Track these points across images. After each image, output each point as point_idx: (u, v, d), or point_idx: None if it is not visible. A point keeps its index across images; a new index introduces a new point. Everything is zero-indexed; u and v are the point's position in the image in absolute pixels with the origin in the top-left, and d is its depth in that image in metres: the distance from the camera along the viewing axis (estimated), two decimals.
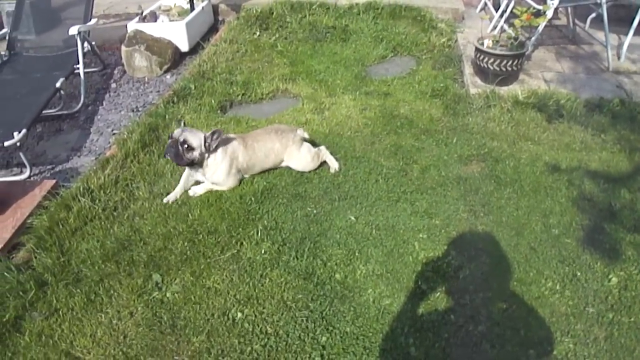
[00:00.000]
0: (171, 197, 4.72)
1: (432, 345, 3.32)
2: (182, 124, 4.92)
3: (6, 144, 5.24)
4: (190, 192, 4.76)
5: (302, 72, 7.00)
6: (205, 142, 4.52)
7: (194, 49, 8.25)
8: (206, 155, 4.61)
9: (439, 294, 3.66)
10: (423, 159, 5.08)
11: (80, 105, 6.89)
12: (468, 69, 6.74)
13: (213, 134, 4.52)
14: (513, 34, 6.13)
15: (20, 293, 3.87)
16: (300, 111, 6.09)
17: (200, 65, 7.28)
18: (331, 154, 5.11)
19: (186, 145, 4.45)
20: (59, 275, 4.03)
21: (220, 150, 4.65)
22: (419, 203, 4.53)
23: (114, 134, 6.27)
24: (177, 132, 4.51)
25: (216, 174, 4.68)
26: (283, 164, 5.00)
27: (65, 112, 6.85)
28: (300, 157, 4.93)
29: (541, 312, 3.53)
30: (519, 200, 4.52)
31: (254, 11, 8.82)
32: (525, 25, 6.14)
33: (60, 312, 3.76)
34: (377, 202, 4.57)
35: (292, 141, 4.90)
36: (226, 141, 4.74)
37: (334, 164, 5.02)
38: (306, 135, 5.08)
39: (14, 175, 5.66)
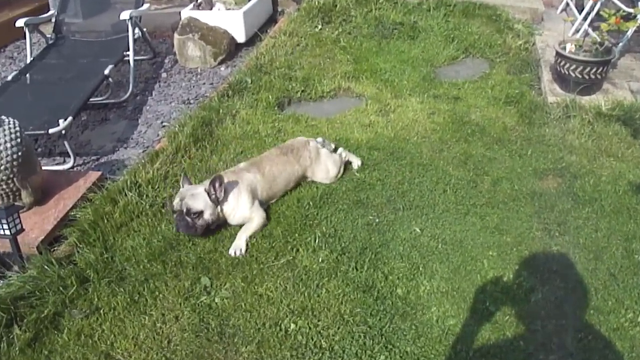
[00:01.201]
0: (237, 250, 4.28)
1: None
2: (183, 180, 4.49)
3: (51, 131, 5.35)
4: (231, 252, 4.25)
5: (366, 70, 7.02)
6: (210, 196, 4.28)
7: (251, 41, 8.33)
8: (218, 208, 4.37)
9: (507, 317, 3.62)
10: (495, 171, 5.05)
11: (128, 94, 7.02)
12: (546, 75, 6.67)
13: (213, 183, 4.26)
14: (598, 39, 6.03)
15: (61, 288, 3.95)
16: (363, 112, 6.12)
17: (258, 58, 7.35)
18: (396, 160, 5.15)
19: (193, 214, 4.21)
20: (102, 272, 4.11)
21: (231, 193, 4.43)
22: (489, 218, 4.50)
23: (163, 126, 6.39)
24: (176, 204, 4.28)
25: (239, 213, 4.46)
26: (308, 179, 5.00)
27: (112, 101, 6.99)
28: (323, 170, 4.94)
29: (620, 346, 3.44)
30: (598, 221, 4.45)
31: (316, 3, 8.86)
32: (612, 29, 6.03)
33: (102, 311, 3.82)
34: (444, 214, 4.56)
35: (309, 159, 4.89)
36: (236, 179, 4.52)
37: (356, 161, 5.16)
38: (323, 141, 5.17)
39: (57, 164, 5.78)
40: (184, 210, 4.20)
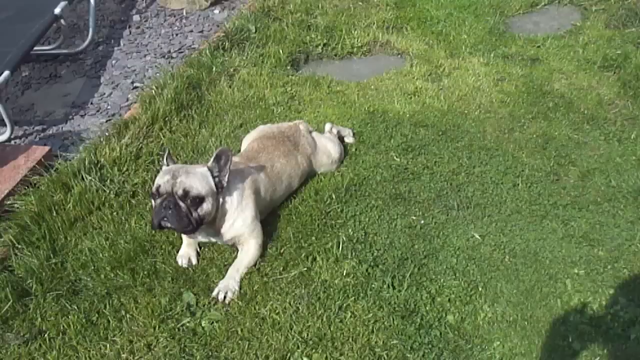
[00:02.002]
0: (184, 259, 4.27)
1: None
2: (167, 157, 4.14)
3: None
4: (220, 295, 3.99)
5: (411, 18, 7.03)
6: (213, 177, 4.02)
7: None
8: (220, 200, 4.11)
9: (598, 358, 3.62)
10: (584, 160, 5.06)
11: (87, 42, 7.03)
12: None
13: (218, 158, 4.00)
14: None
15: None
16: (407, 76, 6.14)
17: None
18: (449, 141, 5.20)
19: (191, 198, 3.88)
20: (48, 283, 4.13)
21: (236, 186, 4.19)
22: (575, 223, 4.52)
23: (134, 87, 6.42)
24: (166, 180, 3.91)
25: (237, 223, 4.19)
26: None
27: (64, 51, 7.01)
28: (324, 155, 4.98)
29: None
30: None
31: None
32: None
33: (47, 335, 3.82)
34: (513, 215, 4.58)
35: (308, 146, 4.90)
36: (239, 170, 4.32)
37: (348, 135, 5.31)
38: (332, 127, 5.29)
39: None
40: (178, 193, 3.86)
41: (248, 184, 4.28)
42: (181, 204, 3.86)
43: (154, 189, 3.96)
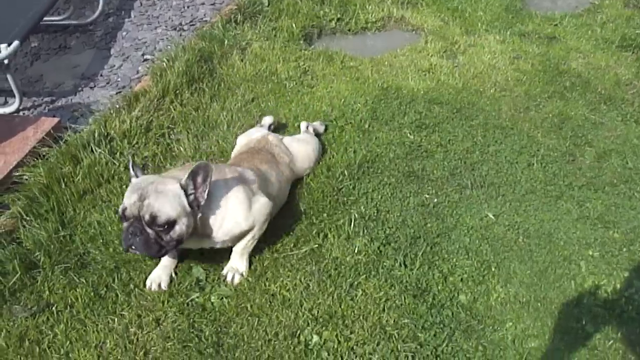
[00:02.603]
0: (154, 283, 3.94)
1: None
2: (132, 167, 3.65)
3: None
4: (228, 276, 3.94)
5: None
6: (187, 196, 3.52)
7: None
8: (199, 215, 3.64)
9: (612, 342, 3.61)
10: (601, 140, 5.04)
11: (97, 14, 7.02)
12: None
13: (195, 175, 3.52)
14: None
15: None
16: (421, 52, 6.12)
17: None
18: (464, 119, 5.19)
19: (159, 225, 3.42)
20: (57, 255, 4.13)
21: (220, 195, 3.76)
22: (590, 204, 4.51)
23: (145, 60, 6.41)
24: (132, 202, 3.44)
25: (227, 224, 3.79)
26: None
27: (74, 22, 6.99)
28: (304, 158, 4.73)
29: None
30: None
31: None
32: None
33: (54, 308, 3.83)
34: (527, 196, 4.58)
35: (283, 154, 4.57)
36: (220, 177, 3.83)
37: (320, 127, 5.18)
38: (307, 127, 5.09)
39: None
40: (145, 218, 3.40)
41: (235, 182, 3.82)
42: (149, 230, 3.40)
43: (120, 209, 3.46)
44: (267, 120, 5.04)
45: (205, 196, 3.54)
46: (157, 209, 3.37)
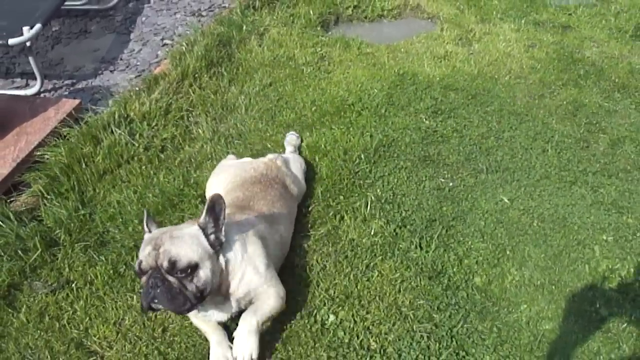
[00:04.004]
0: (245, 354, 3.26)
1: None
2: (146, 221, 3.27)
3: (11, 42, 5.30)
4: (239, 357, 3.25)
5: None
6: (207, 236, 3.19)
7: None
8: (222, 262, 3.27)
9: (625, 325, 3.60)
10: (614, 128, 5.01)
11: None
12: None
13: (212, 208, 3.18)
14: None
15: (19, 252, 3.99)
16: (437, 39, 6.10)
17: None
18: (479, 105, 5.19)
19: (181, 270, 3.05)
20: (76, 233, 4.14)
21: (235, 237, 3.39)
22: (604, 190, 4.49)
23: (164, 44, 6.40)
24: (147, 253, 3.08)
25: (247, 275, 3.37)
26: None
27: (95, 7, 7.01)
28: (302, 184, 4.40)
29: None
30: None
31: None
32: None
33: (74, 285, 3.85)
34: (542, 181, 4.55)
35: (292, 182, 4.23)
36: (234, 221, 3.54)
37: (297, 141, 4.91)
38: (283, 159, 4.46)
39: (18, 88, 5.80)
40: (164, 265, 3.03)
41: (250, 231, 3.48)
42: (170, 278, 3.02)
43: (136, 266, 3.09)
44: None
45: (223, 232, 3.19)
46: (175, 253, 3.01)
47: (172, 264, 2.98)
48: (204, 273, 3.08)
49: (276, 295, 3.41)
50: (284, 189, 4.05)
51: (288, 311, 3.59)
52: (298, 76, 5.55)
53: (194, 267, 3.03)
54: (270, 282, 3.41)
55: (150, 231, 3.21)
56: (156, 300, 3.00)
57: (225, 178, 4.07)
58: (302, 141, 4.84)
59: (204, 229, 3.15)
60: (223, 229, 3.18)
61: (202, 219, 3.13)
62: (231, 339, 3.29)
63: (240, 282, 3.32)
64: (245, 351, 3.20)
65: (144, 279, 3.06)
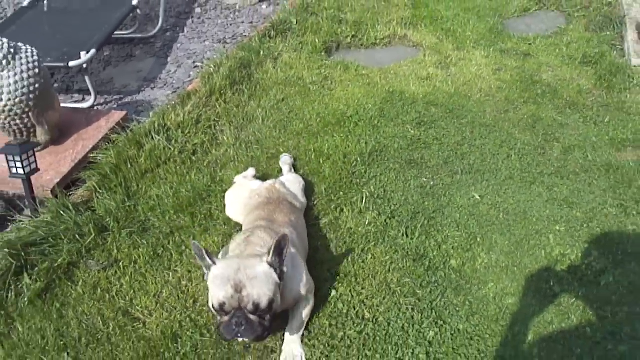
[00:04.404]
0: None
1: None
2: (206, 255, 2.96)
3: (71, 64, 5.38)
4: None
5: (425, 17, 6.98)
6: (275, 270, 2.99)
7: None
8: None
9: (574, 300, 3.60)
10: (566, 138, 5.01)
11: (157, 29, 7.06)
12: (631, 35, 6.55)
13: (279, 249, 2.97)
14: None
15: (77, 236, 4.03)
16: (420, 64, 6.10)
17: None
18: (455, 118, 5.21)
19: (263, 309, 2.88)
20: (123, 221, 4.19)
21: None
22: (558, 189, 4.48)
23: (195, 66, 6.42)
24: (230, 296, 2.84)
25: (295, 287, 3.27)
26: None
27: (139, 35, 7.04)
28: (303, 200, 4.22)
29: None
30: None
31: None
32: None
33: (121, 264, 3.90)
34: (507, 181, 4.56)
35: (294, 199, 4.07)
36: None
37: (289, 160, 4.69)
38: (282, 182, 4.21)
39: (76, 102, 5.83)
40: (248, 308, 2.85)
41: (291, 246, 3.30)
42: (253, 317, 2.86)
43: (216, 304, 2.86)
44: (250, 172, 4.46)
45: (286, 267, 3.05)
46: (257, 297, 2.83)
47: (256, 306, 2.83)
48: (277, 304, 2.96)
49: (312, 299, 3.37)
50: (290, 205, 3.91)
51: None
52: (306, 93, 5.56)
53: (272, 303, 2.89)
54: (307, 286, 3.31)
55: (214, 263, 2.94)
56: (240, 335, 2.86)
57: (239, 208, 4.02)
58: (295, 160, 4.75)
59: (273, 267, 2.95)
60: (286, 260, 3.02)
61: (270, 258, 2.93)
62: None
63: (290, 293, 3.20)
64: (293, 352, 3.21)
65: (226, 318, 2.86)
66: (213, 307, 2.90)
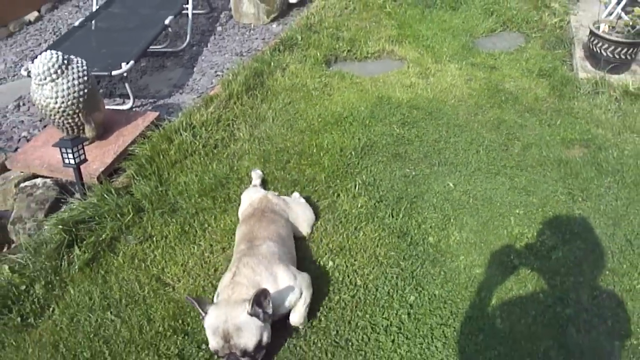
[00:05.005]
0: None
1: (518, 321, 3.30)
2: (199, 306, 2.90)
3: (114, 73, 5.39)
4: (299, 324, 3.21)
5: (409, 35, 6.95)
6: (259, 317, 2.86)
7: (302, 1, 8.31)
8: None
9: (530, 271, 3.62)
10: (525, 137, 4.99)
11: (185, 44, 7.05)
12: (579, 53, 6.54)
13: (258, 301, 2.85)
14: (631, 22, 5.91)
15: (118, 216, 4.05)
16: (405, 74, 6.07)
17: (308, 17, 7.35)
18: (434, 119, 5.20)
19: (251, 351, 2.82)
20: (156, 203, 4.20)
21: (268, 277, 3.11)
22: (518, 179, 4.47)
23: (217, 75, 6.40)
24: (221, 346, 2.81)
25: (287, 300, 3.15)
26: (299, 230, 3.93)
27: (170, 49, 7.04)
28: (301, 217, 3.94)
29: (631, 306, 3.43)
30: (619, 191, 4.39)
31: None
32: None
33: (154, 238, 3.92)
34: (476, 172, 4.54)
35: (281, 208, 3.86)
36: (255, 261, 3.17)
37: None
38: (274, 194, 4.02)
39: (117, 105, 5.84)
40: (238, 354, 2.81)
41: (271, 261, 3.20)
42: (244, 359, 2.81)
43: (212, 350, 2.84)
44: (257, 174, 4.41)
45: (271, 308, 2.90)
46: (244, 344, 2.76)
47: (244, 351, 2.77)
48: (265, 341, 2.85)
49: (308, 299, 3.19)
50: (274, 214, 3.68)
51: (303, 258, 3.65)
52: (309, 97, 5.55)
53: (259, 345, 2.81)
54: (301, 286, 3.17)
55: (206, 312, 2.86)
56: None
57: (241, 211, 3.94)
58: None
59: (256, 315, 2.82)
60: (270, 305, 2.88)
61: (251, 309, 2.79)
62: None
63: (282, 307, 3.09)
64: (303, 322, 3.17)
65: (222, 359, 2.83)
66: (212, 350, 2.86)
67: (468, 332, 3.23)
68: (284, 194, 4.17)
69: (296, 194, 4.18)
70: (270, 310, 2.89)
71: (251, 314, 2.80)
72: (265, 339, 2.85)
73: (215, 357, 2.93)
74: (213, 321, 2.82)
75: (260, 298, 2.83)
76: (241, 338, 2.76)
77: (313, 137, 4.93)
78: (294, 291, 3.12)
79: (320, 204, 4.17)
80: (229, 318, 2.80)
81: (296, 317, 3.17)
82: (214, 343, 2.80)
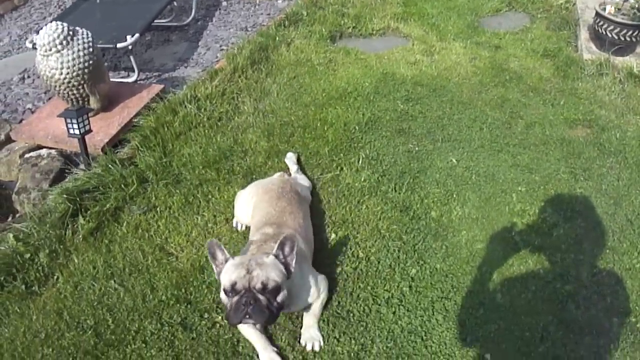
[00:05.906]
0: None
1: (518, 295, 3.31)
2: (220, 249, 2.86)
3: (119, 45, 5.36)
4: (308, 346, 3.05)
5: (414, 13, 6.91)
6: (281, 261, 2.86)
7: None
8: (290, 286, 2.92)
9: (530, 247, 3.63)
10: (528, 116, 4.98)
11: (190, 18, 7.02)
12: (584, 34, 6.51)
13: (283, 246, 2.86)
14: (637, 4, 5.88)
15: (122, 186, 4.05)
16: (409, 51, 6.05)
17: None
18: (438, 96, 5.19)
19: (270, 289, 2.75)
20: (160, 174, 4.20)
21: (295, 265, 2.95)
22: (520, 157, 4.46)
23: (222, 49, 6.38)
24: (242, 275, 2.72)
25: (304, 294, 3.11)
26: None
27: (175, 23, 7.00)
28: (308, 194, 3.93)
29: (630, 284, 3.43)
30: (620, 172, 4.38)
31: None
32: None
33: (158, 209, 3.93)
34: (479, 149, 4.53)
35: (301, 189, 3.82)
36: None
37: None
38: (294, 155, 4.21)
39: (122, 78, 5.83)
40: (257, 287, 2.71)
41: (302, 259, 3.12)
42: (261, 297, 2.71)
43: (228, 285, 2.73)
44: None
45: (294, 264, 2.87)
46: (266, 277, 2.70)
47: (264, 285, 2.69)
48: (283, 294, 2.78)
49: (325, 292, 3.17)
50: (297, 195, 3.63)
51: None
52: (313, 72, 5.53)
53: (279, 288, 2.75)
54: (318, 286, 3.13)
55: (225, 259, 2.83)
56: (248, 315, 2.68)
57: (249, 192, 3.71)
58: (300, 154, 4.45)
59: (277, 258, 2.83)
60: (294, 261, 2.86)
61: (275, 250, 2.82)
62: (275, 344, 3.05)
63: (300, 300, 3.05)
64: (313, 337, 3.04)
65: (235, 298, 2.71)
66: (224, 291, 2.77)
67: (469, 305, 3.24)
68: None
69: (290, 154, 4.34)
70: (292, 268, 2.86)
71: (275, 255, 2.81)
72: (285, 291, 2.80)
73: (227, 301, 2.76)
74: (238, 260, 2.80)
75: (286, 244, 2.83)
76: (264, 270, 2.72)
77: (317, 112, 4.91)
78: (314, 290, 3.09)
79: (324, 177, 4.18)
80: (253, 258, 2.80)
81: (311, 316, 3.13)
82: (235, 274, 2.72)
